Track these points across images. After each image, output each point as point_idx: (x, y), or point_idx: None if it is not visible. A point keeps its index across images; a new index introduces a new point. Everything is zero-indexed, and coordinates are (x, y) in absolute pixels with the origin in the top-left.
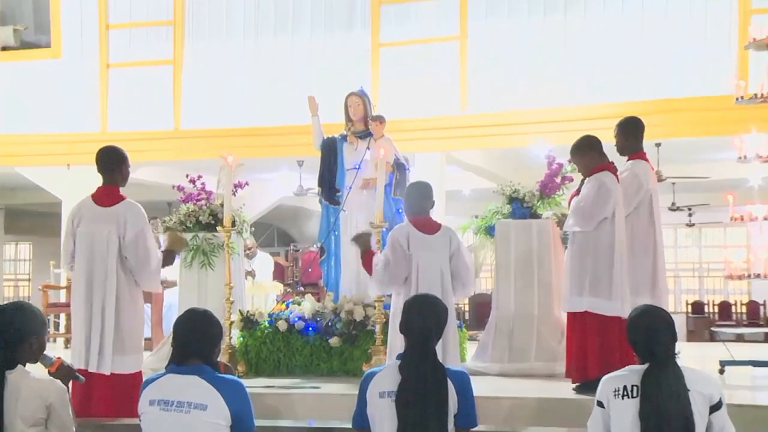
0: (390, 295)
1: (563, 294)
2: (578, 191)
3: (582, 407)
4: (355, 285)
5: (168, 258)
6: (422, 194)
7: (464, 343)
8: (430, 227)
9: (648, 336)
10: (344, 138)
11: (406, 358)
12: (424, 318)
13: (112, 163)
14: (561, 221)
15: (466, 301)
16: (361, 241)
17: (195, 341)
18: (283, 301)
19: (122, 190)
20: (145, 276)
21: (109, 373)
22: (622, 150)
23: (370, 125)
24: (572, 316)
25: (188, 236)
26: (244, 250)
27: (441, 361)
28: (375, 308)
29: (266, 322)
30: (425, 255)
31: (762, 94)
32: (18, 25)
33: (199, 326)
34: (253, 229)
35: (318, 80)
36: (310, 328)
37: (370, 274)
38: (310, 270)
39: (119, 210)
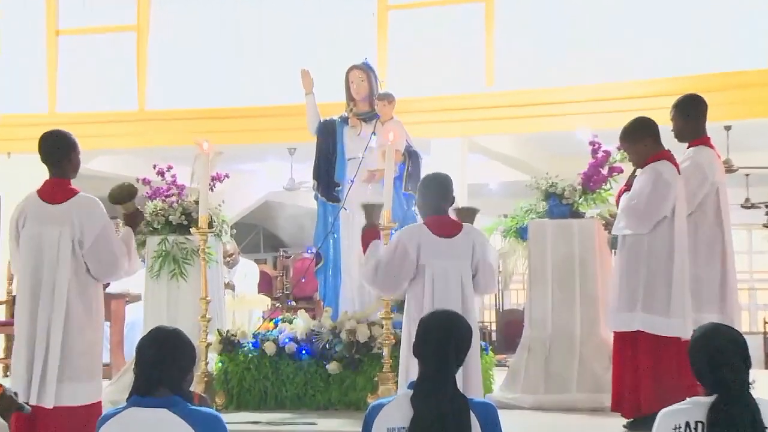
0: (399, 310)
1: (610, 310)
2: (628, 186)
3: None
4: (358, 299)
5: (133, 227)
6: (439, 189)
7: (490, 370)
8: (448, 229)
9: (715, 361)
10: (345, 121)
11: (419, 388)
12: (443, 338)
13: (57, 152)
14: (609, 223)
15: (493, 318)
16: (370, 211)
17: (163, 367)
18: (271, 319)
19: (74, 183)
20: (117, 277)
21: (51, 407)
22: (680, 135)
23: (376, 105)
24: (621, 337)
25: (156, 239)
26: (224, 257)
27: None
28: (383, 327)
29: (250, 344)
30: (442, 263)
31: None
32: None
33: (168, 349)
34: (235, 231)
35: (313, 51)
36: (304, 352)
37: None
38: (303, 280)
39: (72, 207)
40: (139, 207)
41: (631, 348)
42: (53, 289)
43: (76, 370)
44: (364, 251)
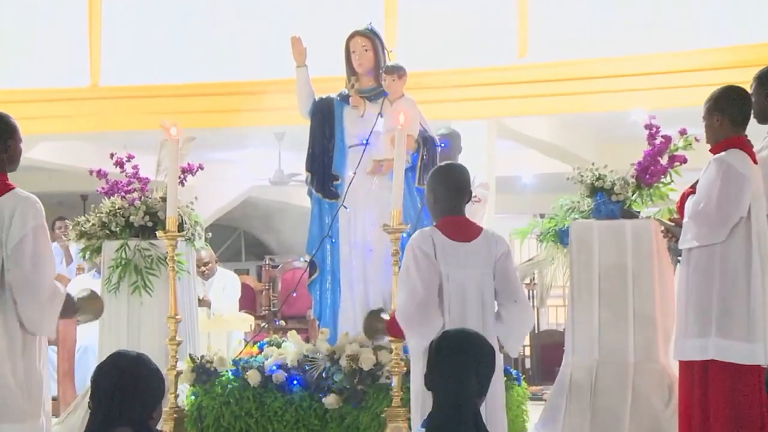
0: None
1: (676, 334)
2: (695, 188)
3: None
4: (360, 317)
5: (67, 309)
6: (454, 183)
7: (524, 405)
8: (465, 232)
9: None
10: (345, 99)
11: (434, 426)
12: (460, 363)
13: None
14: (670, 230)
15: (527, 341)
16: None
17: (124, 401)
18: (255, 342)
19: (12, 177)
20: (30, 306)
21: None
22: (761, 114)
23: (383, 80)
24: (688, 367)
25: (114, 245)
26: (198, 267)
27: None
28: (391, 352)
29: (229, 373)
30: (458, 273)
31: None
32: None
33: (129, 378)
34: (211, 234)
35: (306, 15)
36: (295, 382)
37: (400, 333)
38: (294, 295)
39: (4, 205)
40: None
41: (703, 380)
42: None
43: (7, 409)
44: (399, 331)
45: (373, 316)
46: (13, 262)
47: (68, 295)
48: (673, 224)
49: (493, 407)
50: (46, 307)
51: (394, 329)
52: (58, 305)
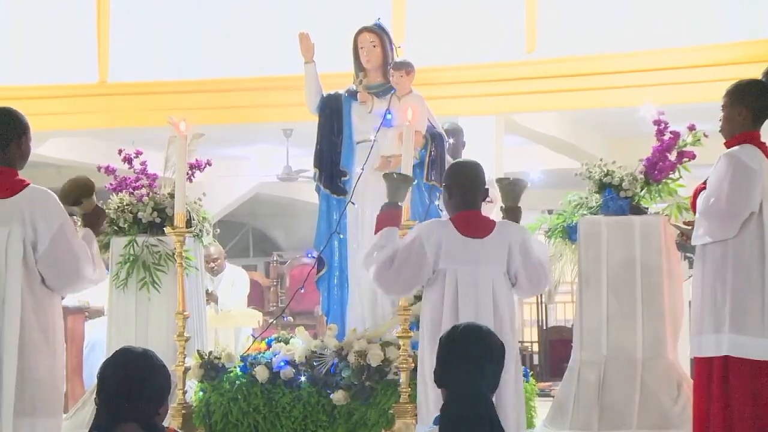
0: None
1: (692, 331)
2: (706, 184)
3: None
4: (369, 313)
5: (94, 229)
6: (468, 178)
7: (532, 401)
8: (478, 228)
9: None
10: (353, 95)
11: (446, 423)
12: (472, 359)
13: (3, 134)
14: (684, 232)
15: (535, 337)
16: (394, 185)
17: (131, 397)
18: (263, 338)
19: (20, 174)
20: (79, 286)
21: None
22: None
23: (391, 76)
24: (706, 364)
25: (122, 241)
26: (206, 263)
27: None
28: (400, 348)
29: (237, 369)
30: (469, 269)
31: None
32: None
33: (136, 375)
34: (219, 230)
35: (313, 11)
36: (303, 378)
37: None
38: (302, 291)
39: (23, 202)
40: (100, 204)
41: (718, 377)
42: (2, 305)
43: (34, 403)
44: (376, 233)
45: (400, 178)
46: (49, 267)
47: (86, 232)
48: (689, 227)
49: (506, 404)
50: (93, 274)
51: (379, 224)
52: (96, 253)
